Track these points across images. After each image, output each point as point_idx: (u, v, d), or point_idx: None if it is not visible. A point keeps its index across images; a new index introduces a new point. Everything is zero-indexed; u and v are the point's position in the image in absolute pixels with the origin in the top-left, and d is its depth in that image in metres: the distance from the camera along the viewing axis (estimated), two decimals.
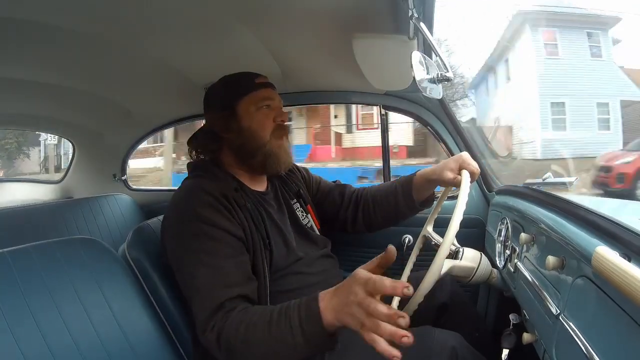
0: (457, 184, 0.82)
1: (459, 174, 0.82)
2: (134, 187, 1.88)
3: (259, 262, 0.77)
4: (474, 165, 0.83)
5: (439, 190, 0.97)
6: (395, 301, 0.83)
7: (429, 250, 0.86)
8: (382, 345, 0.51)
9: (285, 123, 0.87)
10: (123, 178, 1.83)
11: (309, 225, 0.94)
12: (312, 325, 0.59)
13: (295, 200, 0.95)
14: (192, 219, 0.74)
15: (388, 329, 0.51)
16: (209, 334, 0.67)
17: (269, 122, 0.85)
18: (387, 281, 0.53)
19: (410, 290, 0.51)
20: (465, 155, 0.84)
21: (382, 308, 0.52)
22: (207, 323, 0.68)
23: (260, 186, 0.91)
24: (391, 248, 0.57)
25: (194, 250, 0.73)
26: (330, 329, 0.59)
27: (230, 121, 0.85)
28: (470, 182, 0.81)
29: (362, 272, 0.56)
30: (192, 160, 0.90)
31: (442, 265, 0.68)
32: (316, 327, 0.59)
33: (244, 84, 0.86)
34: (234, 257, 0.74)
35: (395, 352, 0.50)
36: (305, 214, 0.95)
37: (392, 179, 1.06)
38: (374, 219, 1.00)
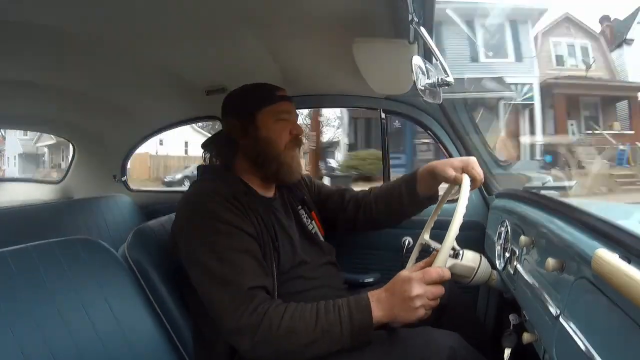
0: (455, 183, 0.82)
1: (462, 174, 0.82)
2: (134, 188, 1.88)
3: (268, 263, 0.79)
4: (478, 171, 0.83)
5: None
6: None
7: (429, 254, 0.87)
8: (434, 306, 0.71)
9: (300, 136, 0.90)
10: (123, 179, 1.83)
11: (313, 231, 0.95)
12: (361, 314, 0.69)
13: (300, 207, 0.97)
14: (207, 218, 0.76)
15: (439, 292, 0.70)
16: (247, 318, 0.69)
17: (286, 134, 0.87)
18: (433, 272, 0.69)
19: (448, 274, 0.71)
20: (473, 160, 0.85)
21: (435, 275, 0.69)
22: (239, 309, 0.69)
23: (269, 192, 0.92)
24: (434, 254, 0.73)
25: (212, 248, 0.74)
26: (375, 324, 0.69)
27: (249, 129, 0.87)
28: (472, 188, 0.81)
29: (409, 273, 0.70)
30: (203, 164, 0.92)
31: (443, 265, 0.69)
32: (365, 316, 0.69)
33: (265, 95, 0.88)
34: (251, 252, 0.76)
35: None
36: (309, 220, 0.96)
37: None
38: (376, 217, 1.00)
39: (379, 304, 0.70)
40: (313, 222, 0.97)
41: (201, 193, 0.81)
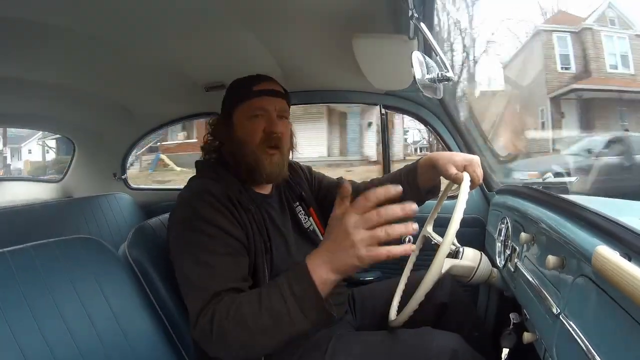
0: (455, 182, 0.81)
1: (462, 172, 0.81)
2: (134, 186, 1.88)
3: (259, 265, 0.77)
4: (479, 172, 0.81)
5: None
6: (396, 301, 0.83)
7: (429, 250, 0.86)
8: (397, 249, 0.55)
9: (275, 134, 0.83)
10: (123, 177, 1.83)
11: (311, 228, 0.93)
12: (301, 282, 0.58)
13: (297, 204, 0.95)
14: (194, 218, 0.75)
15: (398, 229, 0.54)
16: (201, 320, 0.65)
17: (258, 132, 0.82)
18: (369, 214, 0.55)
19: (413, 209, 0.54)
20: (477, 160, 0.83)
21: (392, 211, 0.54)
22: (200, 313, 0.66)
23: (265, 189, 0.90)
24: (345, 184, 0.59)
25: (193, 248, 0.73)
26: (324, 287, 0.58)
27: (225, 128, 0.85)
28: (470, 188, 0.79)
29: (345, 217, 0.56)
30: (200, 160, 0.91)
31: (442, 265, 0.69)
32: (305, 283, 0.58)
33: (241, 92, 0.85)
34: (232, 256, 0.74)
35: (409, 246, 0.55)
36: (307, 217, 0.94)
37: None
38: None
39: (316, 259, 0.58)
40: (311, 218, 0.95)
41: (193, 193, 0.80)
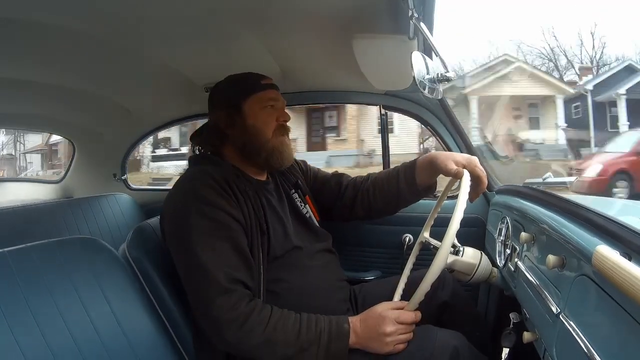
0: (456, 177, 0.81)
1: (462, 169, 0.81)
2: (134, 186, 1.88)
3: (255, 249, 0.79)
4: (481, 169, 0.82)
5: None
6: (397, 296, 0.84)
7: (428, 251, 0.87)
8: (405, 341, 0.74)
9: (287, 123, 0.90)
10: (123, 177, 1.83)
11: (307, 215, 0.95)
12: (339, 342, 0.72)
13: (293, 191, 0.96)
14: (193, 200, 0.76)
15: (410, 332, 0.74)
16: (226, 314, 0.70)
17: (272, 121, 0.88)
18: (408, 316, 0.75)
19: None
20: (476, 159, 0.84)
21: (409, 319, 0.75)
22: (214, 301, 0.70)
23: (261, 177, 0.92)
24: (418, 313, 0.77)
25: (195, 230, 0.74)
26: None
27: (235, 118, 0.87)
28: (479, 188, 0.81)
29: (385, 311, 0.75)
30: (193, 155, 0.92)
31: (444, 263, 0.69)
32: (342, 345, 0.73)
33: (250, 84, 0.88)
34: (234, 240, 0.76)
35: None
36: (303, 204, 0.96)
37: None
38: (373, 204, 0.98)
39: (354, 333, 0.74)
40: (307, 206, 0.96)
41: (191, 177, 0.82)
